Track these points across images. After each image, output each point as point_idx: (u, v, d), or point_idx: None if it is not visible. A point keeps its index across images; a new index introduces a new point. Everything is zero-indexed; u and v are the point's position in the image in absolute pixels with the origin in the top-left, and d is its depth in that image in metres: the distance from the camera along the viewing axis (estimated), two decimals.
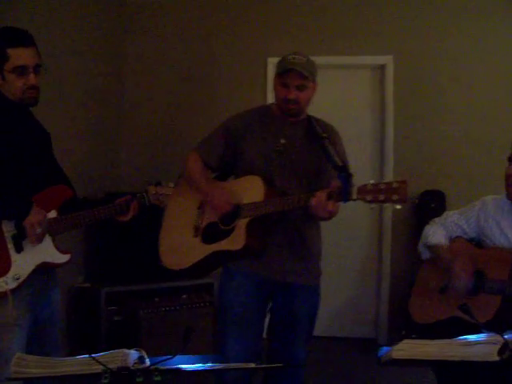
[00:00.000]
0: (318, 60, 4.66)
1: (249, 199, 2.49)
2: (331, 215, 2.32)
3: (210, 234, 2.58)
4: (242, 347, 2.56)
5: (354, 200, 2.16)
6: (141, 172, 4.82)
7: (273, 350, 2.68)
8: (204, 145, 2.75)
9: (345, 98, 4.91)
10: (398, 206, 2.08)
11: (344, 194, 2.17)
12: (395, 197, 2.06)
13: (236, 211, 2.51)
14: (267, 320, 2.73)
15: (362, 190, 2.14)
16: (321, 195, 2.25)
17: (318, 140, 2.53)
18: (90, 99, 4.42)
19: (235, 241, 2.47)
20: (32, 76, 2.26)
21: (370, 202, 2.12)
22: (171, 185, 2.58)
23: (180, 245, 2.65)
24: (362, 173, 4.84)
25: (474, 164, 4.68)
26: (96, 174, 4.47)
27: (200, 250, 2.58)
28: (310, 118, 2.69)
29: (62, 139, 3.91)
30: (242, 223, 2.48)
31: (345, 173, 2.20)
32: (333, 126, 2.75)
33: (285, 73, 2.54)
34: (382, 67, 4.82)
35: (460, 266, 2.52)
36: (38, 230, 2.28)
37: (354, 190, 2.15)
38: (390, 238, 4.84)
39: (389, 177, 4.77)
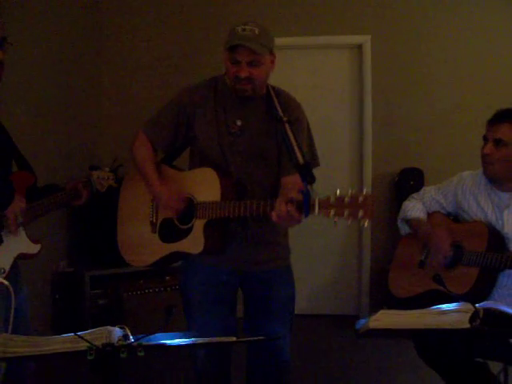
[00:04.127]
0: (295, 40, 4.80)
1: (204, 196, 2.27)
2: (298, 223, 1.99)
3: (167, 231, 2.42)
4: (212, 326, 2.38)
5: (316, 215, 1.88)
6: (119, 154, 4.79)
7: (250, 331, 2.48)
8: (153, 124, 2.43)
9: (322, 78, 4.91)
10: (366, 224, 1.79)
11: (305, 208, 1.88)
12: (360, 212, 1.78)
13: (192, 208, 2.31)
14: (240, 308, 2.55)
15: (325, 204, 1.85)
16: (280, 206, 1.94)
17: (278, 122, 2.18)
18: (69, 88, 4.41)
19: (194, 243, 2.29)
20: None
21: (333, 216, 1.84)
22: (106, 169, 2.63)
23: (139, 241, 2.52)
24: (341, 154, 4.92)
25: (451, 142, 4.74)
26: (75, 157, 4.45)
27: (160, 249, 2.43)
28: (269, 94, 2.32)
29: (40, 128, 3.94)
30: (199, 224, 2.28)
31: (305, 176, 1.89)
32: (296, 100, 2.41)
33: (232, 49, 2.16)
34: (360, 47, 4.83)
35: (439, 238, 2.57)
36: (20, 220, 2.22)
37: (316, 204, 1.86)
38: None
39: (368, 157, 4.84)
